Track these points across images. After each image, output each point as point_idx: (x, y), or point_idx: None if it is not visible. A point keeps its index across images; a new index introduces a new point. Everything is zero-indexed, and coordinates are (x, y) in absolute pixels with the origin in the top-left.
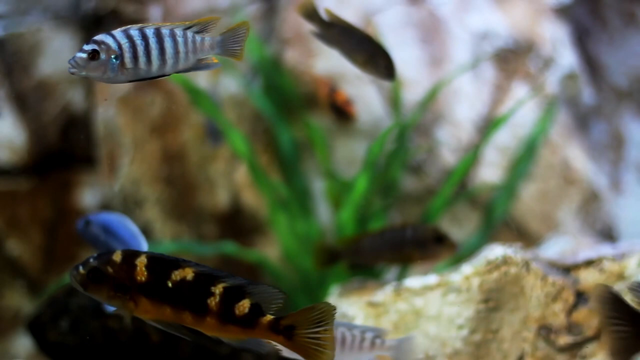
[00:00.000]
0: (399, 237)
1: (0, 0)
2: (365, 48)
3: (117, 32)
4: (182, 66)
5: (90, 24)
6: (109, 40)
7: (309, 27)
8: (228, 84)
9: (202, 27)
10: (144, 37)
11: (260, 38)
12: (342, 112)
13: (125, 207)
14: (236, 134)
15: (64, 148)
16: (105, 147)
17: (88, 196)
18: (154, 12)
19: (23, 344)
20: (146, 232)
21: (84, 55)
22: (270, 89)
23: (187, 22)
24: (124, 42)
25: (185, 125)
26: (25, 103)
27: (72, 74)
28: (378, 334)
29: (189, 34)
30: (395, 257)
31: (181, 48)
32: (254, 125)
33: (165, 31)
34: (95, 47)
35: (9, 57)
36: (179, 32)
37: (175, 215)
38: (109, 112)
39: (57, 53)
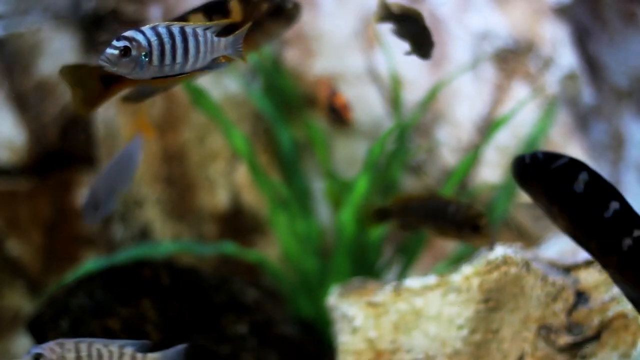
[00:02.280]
0: (442, 211)
1: (0, 0)
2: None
3: (147, 29)
4: (199, 65)
5: (90, 24)
6: (139, 37)
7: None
8: (228, 84)
9: (218, 28)
10: (171, 35)
11: None
12: (339, 116)
13: (125, 207)
14: (236, 134)
15: (64, 148)
16: (105, 147)
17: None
18: (154, 12)
19: (23, 344)
20: (146, 232)
21: (116, 52)
22: (270, 89)
23: (207, 23)
24: (153, 39)
25: (185, 125)
26: (25, 103)
27: (103, 67)
28: (139, 347)
29: (208, 34)
30: (435, 228)
31: (202, 48)
32: (254, 125)
33: (189, 30)
34: (127, 43)
35: (9, 57)
36: (200, 31)
37: (175, 215)
38: (109, 112)
39: (57, 53)
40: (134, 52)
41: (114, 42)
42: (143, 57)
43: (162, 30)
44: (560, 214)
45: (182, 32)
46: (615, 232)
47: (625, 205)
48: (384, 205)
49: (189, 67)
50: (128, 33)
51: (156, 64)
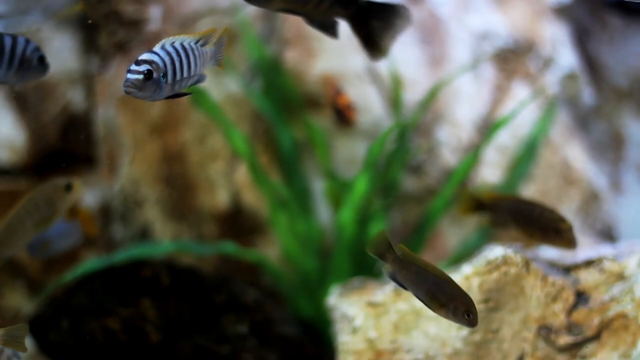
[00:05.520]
0: (528, 214)
1: (1, 0)
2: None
3: (159, 50)
4: (195, 79)
5: (90, 24)
6: (156, 58)
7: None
8: (228, 84)
9: (205, 40)
10: (178, 53)
11: (260, 38)
12: (342, 116)
13: (125, 207)
14: (236, 134)
15: (64, 148)
16: (105, 147)
17: (88, 196)
18: (154, 12)
19: None
20: (146, 232)
21: (141, 77)
22: (270, 89)
23: (196, 35)
24: (167, 59)
25: (185, 125)
26: (25, 103)
27: (129, 94)
28: None
29: (199, 46)
30: (522, 229)
31: (198, 61)
32: (254, 125)
33: (187, 45)
34: (149, 66)
35: None
36: (194, 45)
37: (175, 215)
38: (109, 112)
39: (57, 53)
40: (155, 75)
41: (135, 67)
42: (162, 78)
43: (170, 48)
44: None
45: (184, 48)
46: None
47: None
48: (481, 197)
49: (191, 81)
50: (145, 56)
51: (169, 83)
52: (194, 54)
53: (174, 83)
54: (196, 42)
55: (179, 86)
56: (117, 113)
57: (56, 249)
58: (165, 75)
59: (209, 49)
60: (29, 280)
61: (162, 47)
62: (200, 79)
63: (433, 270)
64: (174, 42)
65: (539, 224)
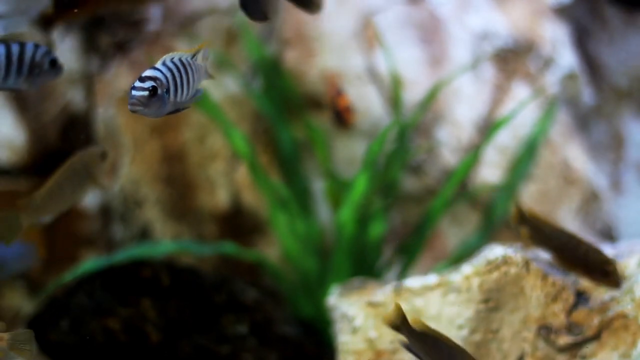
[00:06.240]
0: (571, 248)
1: (1, 0)
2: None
3: (161, 66)
4: (192, 94)
5: (91, 24)
6: (158, 74)
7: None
8: (228, 84)
9: (197, 53)
10: (178, 69)
11: (260, 38)
12: (340, 117)
13: (125, 207)
14: (236, 134)
15: (64, 148)
16: (105, 147)
17: (88, 196)
18: (154, 12)
19: None
20: (146, 232)
21: (146, 93)
22: (270, 89)
23: (191, 50)
24: (169, 75)
25: (185, 125)
26: (25, 103)
27: (134, 112)
28: None
29: (195, 61)
30: (563, 260)
31: (196, 76)
32: (254, 125)
33: (185, 61)
34: (153, 83)
35: None
36: (190, 60)
37: (175, 215)
38: (109, 112)
39: (58, 53)
40: (159, 91)
41: (139, 84)
42: (165, 94)
43: (170, 64)
44: None
45: (182, 63)
46: None
47: None
48: (524, 211)
49: (190, 96)
50: (148, 72)
51: (172, 99)
52: (191, 69)
53: (176, 98)
54: (192, 57)
55: (180, 101)
56: (117, 113)
57: (11, 270)
58: (168, 90)
59: (202, 63)
60: (29, 280)
61: (164, 63)
62: (198, 93)
63: (447, 341)
64: (173, 58)
65: (585, 264)
